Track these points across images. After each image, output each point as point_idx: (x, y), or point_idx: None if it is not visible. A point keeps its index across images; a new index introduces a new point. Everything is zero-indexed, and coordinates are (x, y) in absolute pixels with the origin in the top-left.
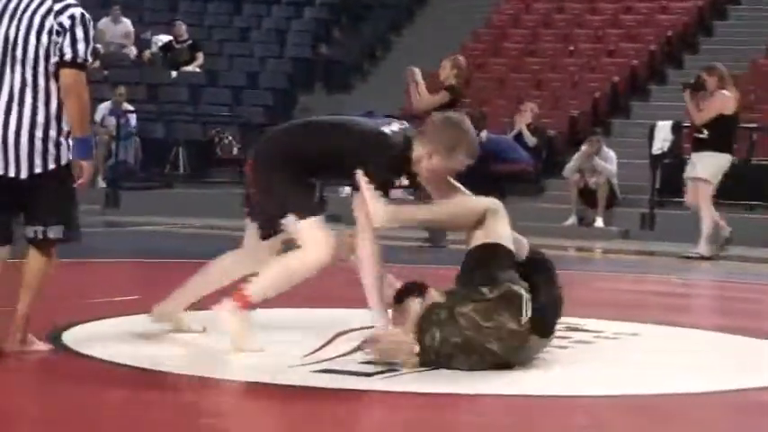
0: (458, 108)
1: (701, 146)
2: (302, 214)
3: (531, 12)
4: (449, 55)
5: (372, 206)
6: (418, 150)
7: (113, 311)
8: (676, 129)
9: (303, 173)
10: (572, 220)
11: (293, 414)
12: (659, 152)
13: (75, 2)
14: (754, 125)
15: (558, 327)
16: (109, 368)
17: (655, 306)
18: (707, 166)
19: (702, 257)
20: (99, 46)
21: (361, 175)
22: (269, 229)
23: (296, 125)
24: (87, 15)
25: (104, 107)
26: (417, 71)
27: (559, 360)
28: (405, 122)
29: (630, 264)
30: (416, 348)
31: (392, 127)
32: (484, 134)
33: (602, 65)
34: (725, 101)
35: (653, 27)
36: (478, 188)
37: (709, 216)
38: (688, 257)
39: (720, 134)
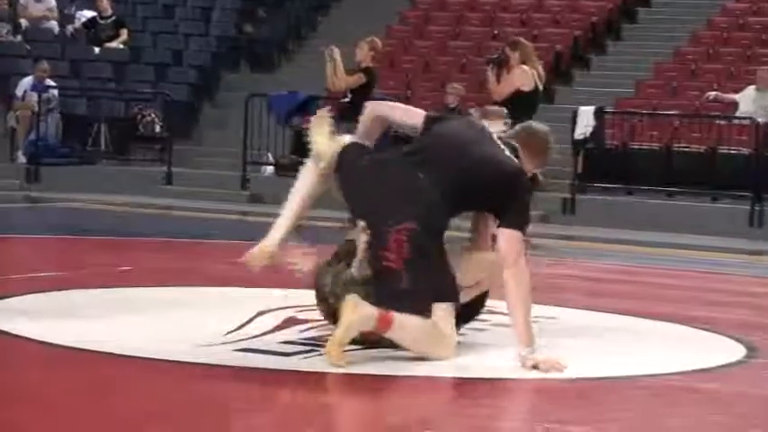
0: (374, 89)
1: None
2: (448, 301)
3: None
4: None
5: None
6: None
7: (31, 287)
8: (599, 114)
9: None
10: None
11: (211, 392)
12: (581, 137)
13: None
14: (676, 112)
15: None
16: (23, 344)
17: (573, 290)
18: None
19: None
20: (22, 21)
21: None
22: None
23: (444, 175)
24: None
25: (26, 82)
26: (336, 50)
27: (476, 343)
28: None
29: (551, 248)
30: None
31: (505, 149)
32: None
33: None
34: (522, 76)
35: (577, 12)
36: None
37: None
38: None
39: (520, 112)
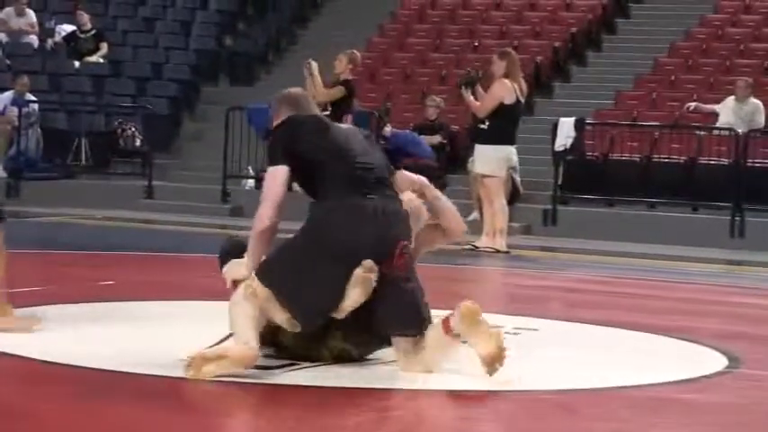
0: (353, 102)
1: (480, 137)
2: None
3: (436, 7)
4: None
5: None
6: None
7: (11, 302)
8: (579, 125)
9: None
10: (474, 215)
11: (189, 405)
12: (562, 149)
13: None
14: (656, 123)
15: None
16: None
17: (554, 301)
18: (487, 161)
19: (498, 251)
20: (1, 35)
21: None
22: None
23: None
24: None
25: (6, 96)
26: (314, 64)
27: (458, 355)
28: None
29: (532, 260)
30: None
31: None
32: (388, 129)
33: None
34: (503, 89)
35: (557, 24)
36: None
37: (501, 210)
38: (475, 248)
39: (500, 124)
